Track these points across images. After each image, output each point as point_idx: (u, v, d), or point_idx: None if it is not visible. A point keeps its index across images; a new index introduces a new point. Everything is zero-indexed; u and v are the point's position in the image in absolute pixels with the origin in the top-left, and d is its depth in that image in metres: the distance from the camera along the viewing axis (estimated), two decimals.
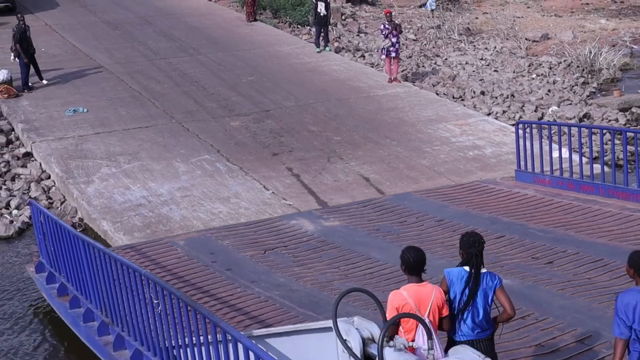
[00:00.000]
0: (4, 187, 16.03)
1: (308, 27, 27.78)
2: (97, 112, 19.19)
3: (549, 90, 20.84)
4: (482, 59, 24.42)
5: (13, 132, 18.49)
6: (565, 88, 21.25)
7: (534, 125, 14.80)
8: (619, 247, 11.15)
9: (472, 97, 20.45)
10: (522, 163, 14.22)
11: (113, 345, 9.03)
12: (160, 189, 14.75)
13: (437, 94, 20.60)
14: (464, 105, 19.69)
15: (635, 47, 26.31)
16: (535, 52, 26.04)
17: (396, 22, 21.86)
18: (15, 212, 14.99)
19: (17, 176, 16.43)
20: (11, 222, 14.64)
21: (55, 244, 10.72)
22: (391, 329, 6.27)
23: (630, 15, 33.10)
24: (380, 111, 18.84)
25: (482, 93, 20.67)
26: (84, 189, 14.86)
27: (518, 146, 14.22)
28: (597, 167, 13.68)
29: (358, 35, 27.73)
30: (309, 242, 12.34)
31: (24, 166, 16.73)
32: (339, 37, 26.30)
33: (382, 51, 21.21)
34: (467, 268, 6.66)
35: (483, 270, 6.64)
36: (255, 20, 28.74)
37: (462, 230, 12.11)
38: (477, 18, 30.69)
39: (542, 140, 14.81)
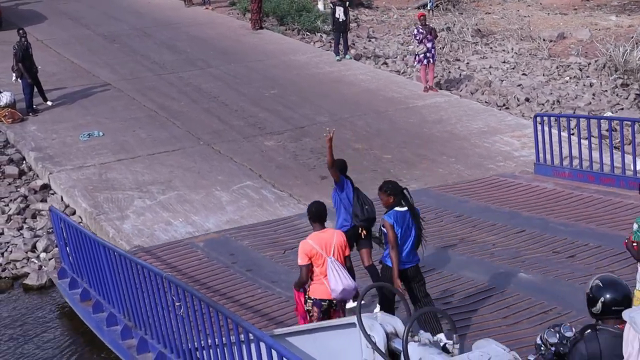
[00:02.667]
0: (25, 226, 14.39)
1: (319, 34, 26.80)
2: (114, 135, 17.56)
3: (594, 95, 19.56)
4: (504, 62, 23.33)
5: (24, 162, 16.81)
6: (606, 91, 20.01)
7: (552, 118, 14.74)
8: None
9: (518, 105, 19.07)
10: (541, 156, 14.16)
11: (137, 348, 9.10)
12: (206, 223, 13.23)
13: (479, 103, 19.21)
14: (512, 114, 18.23)
15: None
16: (556, 52, 25.21)
17: (430, 25, 20.36)
18: (43, 255, 13.45)
19: (38, 213, 14.79)
20: (40, 267, 13.23)
21: (77, 250, 10.80)
22: (304, 272, 7.99)
23: (636, 11, 32.75)
24: (426, 124, 17.45)
25: (527, 100, 19.31)
26: (120, 226, 13.19)
27: (537, 139, 14.17)
28: (617, 159, 13.58)
29: (369, 40, 26.67)
30: None
31: (43, 200, 15.03)
32: (353, 44, 24.95)
33: (416, 58, 19.75)
34: (399, 208, 8.23)
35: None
36: (262, 28, 27.34)
37: (482, 226, 12.19)
38: (482, 18, 30.20)
39: (561, 132, 14.71)
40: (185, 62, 23.60)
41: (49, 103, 19.59)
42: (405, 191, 8.37)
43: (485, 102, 19.36)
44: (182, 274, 11.31)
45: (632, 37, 24.49)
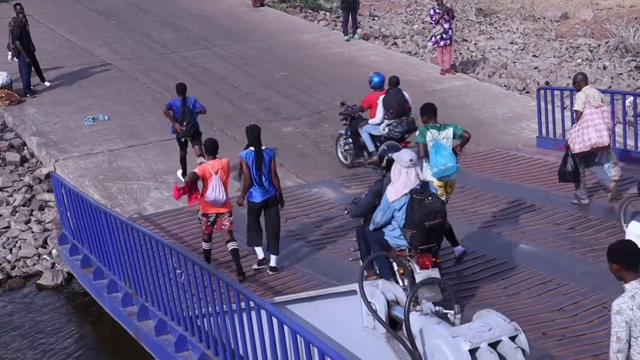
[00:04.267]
0: (32, 219, 13.58)
1: (323, 12, 26.22)
2: (121, 119, 16.65)
3: (612, 79, 18.96)
4: (512, 42, 22.82)
5: (26, 148, 15.84)
6: (621, 74, 19.47)
7: (555, 91, 14.68)
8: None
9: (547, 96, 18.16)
10: (544, 129, 14.13)
11: (137, 315, 9.13)
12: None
13: (499, 86, 18.54)
14: (534, 98, 16.14)
15: None
16: (561, 32, 24.86)
17: (447, 5, 19.45)
18: (55, 251, 12.64)
19: (45, 204, 13.88)
20: (53, 265, 12.62)
21: (78, 216, 10.81)
22: (193, 177, 10.08)
23: None
24: (448, 109, 15.89)
25: (547, 84, 18.20)
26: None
27: (540, 112, 14.14)
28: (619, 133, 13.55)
29: (373, 19, 26.03)
30: (330, 211, 12.34)
31: (49, 191, 13.81)
32: (359, 23, 23.87)
33: (432, 39, 18.94)
34: (252, 148, 10.16)
35: (263, 147, 10.22)
36: (263, 5, 26.60)
37: (483, 198, 12.19)
38: None
39: (564, 106, 14.66)
40: (187, 40, 22.75)
41: (47, 84, 18.55)
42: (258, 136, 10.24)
43: (505, 85, 18.72)
44: (183, 242, 11.34)
45: (636, 18, 24.22)
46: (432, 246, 7.95)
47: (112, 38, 22.94)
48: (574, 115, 11.52)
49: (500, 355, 5.38)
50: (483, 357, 5.37)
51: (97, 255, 10.38)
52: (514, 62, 20.58)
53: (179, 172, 13.56)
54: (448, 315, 5.91)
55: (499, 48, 22.12)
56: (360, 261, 8.52)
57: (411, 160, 7.91)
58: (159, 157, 14.78)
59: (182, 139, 13.34)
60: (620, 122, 14.13)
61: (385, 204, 8.01)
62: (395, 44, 22.58)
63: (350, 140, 13.69)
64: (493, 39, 23.38)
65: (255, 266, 10.39)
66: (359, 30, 22.77)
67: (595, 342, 7.90)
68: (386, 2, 29.44)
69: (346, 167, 13.88)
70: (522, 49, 22.16)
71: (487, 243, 10.63)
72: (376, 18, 26.16)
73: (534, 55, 21.42)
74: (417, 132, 9.89)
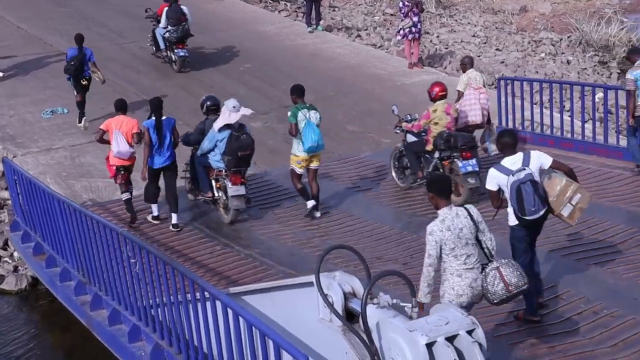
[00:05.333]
0: None
1: (283, 2, 25.49)
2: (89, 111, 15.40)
3: (578, 74, 19.07)
4: (474, 35, 22.63)
5: None
6: (585, 69, 19.62)
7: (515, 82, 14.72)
8: (597, 203, 11.09)
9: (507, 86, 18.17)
10: (504, 119, 14.16)
11: (90, 304, 8.95)
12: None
13: None
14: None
15: (625, 19, 24.67)
16: (522, 26, 24.86)
17: None
18: (17, 254, 11.97)
19: (4, 202, 13.06)
20: (16, 268, 11.97)
21: (30, 203, 10.59)
22: (100, 135, 11.32)
23: None
24: (421, 105, 15.31)
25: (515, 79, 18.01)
26: None
27: (499, 103, 14.16)
28: (577, 124, 13.63)
29: (333, 10, 25.46)
30: (289, 199, 12.25)
31: (7, 188, 12.72)
32: (321, 15, 23.19)
33: (400, 32, 18.50)
34: (153, 117, 11.11)
35: (164, 117, 11.17)
36: None
37: None
38: None
39: (524, 96, 14.71)
40: (144, 30, 21.15)
41: (0, 74, 17.82)
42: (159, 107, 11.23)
43: None
44: (138, 230, 11.18)
45: (594, 12, 24.37)
46: (241, 169, 11.12)
47: (66, 27, 21.16)
48: (457, 94, 12.59)
49: (457, 349, 5.34)
50: (440, 351, 5.32)
51: (50, 243, 10.17)
52: (479, 56, 20.46)
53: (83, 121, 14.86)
54: (405, 308, 5.86)
55: (461, 41, 21.94)
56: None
57: (234, 107, 11.22)
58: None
59: (84, 81, 14.92)
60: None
61: (212, 135, 11.16)
62: (359, 36, 22.21)
63: None
64: (455, 31, 23.17)
65: (149, 217, 11.53)
66: (322, 22, 22.36)
67: (551, 333, 7.93)
68: None
69: None
70: (485, 43, 22.05)
71: None
72: (336, 9, 25.69)
73: (497, 49, 21.34)
74: (289, 113, 11.09)
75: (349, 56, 19.77)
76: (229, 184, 11.05)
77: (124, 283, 8.26)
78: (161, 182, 11.50)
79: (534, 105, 14.31)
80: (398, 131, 12.34)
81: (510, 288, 6.60)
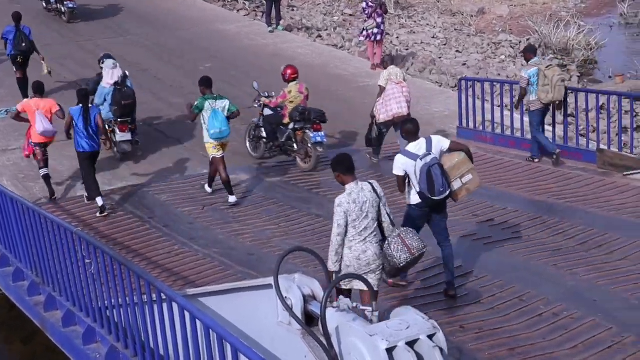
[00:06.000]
0: None
1: (242, 2, 25.33)
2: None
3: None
4: (434, 37, 22.66)
5: None
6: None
7: (476, 82, 14.74)
8: (557, 204, 11.22)
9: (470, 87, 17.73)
10: (464, 120, 14.17)
11: (44, 305, 8.73)
12: None
13: (431, 83, 18.33)
14: None
15: (583, 23, 24.99)
16: (480, 28, 24.93)
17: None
18: None
19: None
20: None
21: None
22: (15, 115, 12.61)
23: None
24: None
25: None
26: None
27: (460, 103, 14.16)
28: None
29: (292, 9, 25.34)
30: (249, 198, 12.14)
31: None
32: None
33: (364, 33, 18.43)
34: (81, 105, 11.68)
35: (90, 106, 11.87)
36: None
37: None
38: None
39: (485, 98, 14.74)
40: (99, 26, 21.42)
41: None
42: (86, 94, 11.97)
43: (437, 82, 18.46)
44: (94, 229, 10.98)
45: (551, 15, 24.54)
46: (127, 119, 13.27)
47: None
48: (379, 89, 12.99)
49: (417, 354, 5.26)
50: (400, 356, 5.23)
51: (3, 242, 9.92)
52: (440, 58, 20.52)
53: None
54: (366, 312, 5.77)
55: (421, 42, 21.95)
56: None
57: (114, 64, 13.61)
58: None
59: (19, 59, 15.69)
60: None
61: (101, 91, 13.38)
62: (320, 36, 22.08)
63: None
64: (414, 33, 23.17)
65: (98, 214, 11.59)
66: (282, 22, 22.19)
67: (512, 335, 7.91)
68: None
69: None
70: (445, 44, 22.09)
71: None
72: (295, 9, 25.55)
73: (457, 51, 21.39)
74: (196, 102, 11.68)
75: (310, 57, 19.59)
76: (117, 131, 13.24)
77: (79, 283, 8.07)
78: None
79: (495, 107, 14.32)
80: (256, 105, 13.71)
81: (413, 251, 7.25)
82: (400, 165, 8.40)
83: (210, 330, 5.85)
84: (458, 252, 9.85)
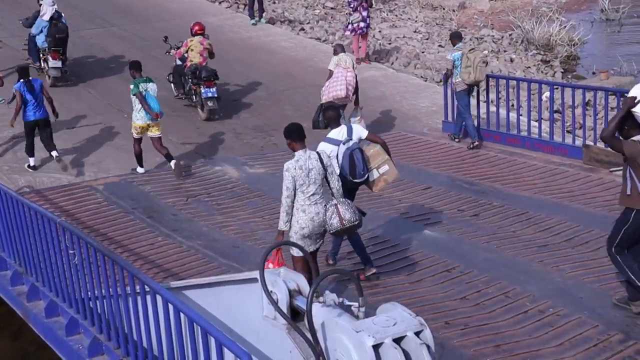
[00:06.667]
0: None
1: None
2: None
3: (524, 72, 19.10)
4: (416, 31, 22.57)
5: None
6: (529, 67, 19.68)
7: None
8: (543, 200, 11.20)
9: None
10: (449, 114, 14.13)
11: (27, 295, 8.61)
12: None
13: (416, 77, 18.19)
14: None
15: (564, 18, 25.05)
16: (462, 22, 24.88)
17: None
18: None
19: None
20: None
21: None
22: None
23: None
24: (370, 101, 15.78)
25: None
26: None
27: (446, 97, 14.12)
28: (523, 120, 13.65)
29: (274, 2, 25.06)
30: (233, 190, 12.08)
31: None
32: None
33: (349, 26, 18.37)
34: (22, 80, 12.65)
35: (31, 78, 12.75)
36: None
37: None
38: None
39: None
40: (82, 18, 21.04)
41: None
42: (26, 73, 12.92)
43: (422, 76, 18.35)
44: (78, 219, 10.88)
45: (532, 10, 24.54)
46: (59, 49, 16.02)
47: None
48: (328, 73, 13.72)
49: (404, 351, 5.22)
50: (387, 353, 5.18)
51: None
52: (423, 52, 20.43)
53: None
54: (352, 307, 5.71)
55: (404, 37, 21.81)
56: None
57: (52, 2, 16.09)
58: (69, 146, 13.77)
59: None
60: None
61: (39, 23, 16.08)
62: (303, 29, 21.87)
63: None
64: (396, 27, 23.06)
65: (27, 166, 12.92)
66: (265, 14, 22.01)
67: (498, 332, 7.87)
68: None
69: None
70: (427, 39, 21.99)
71: (391, 228, 10.54)
72: (276, 1, 25.32)
73: (439, 45, 21.29)
74: (131, 86, 12.32)
75: (294, 50, 19.47)
76: (50, 59, 16.10)
77: (62, 274, 7.98)
78: None
79: (481, 102, 14.26)
80: (170, 54, 16.08)
81: (343, 222, 7.73)
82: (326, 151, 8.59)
83: (194, 324, 5.78)
84: (444, 248, 9.88)
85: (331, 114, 8.95)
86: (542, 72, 19.59)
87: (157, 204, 11.64)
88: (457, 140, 13.60)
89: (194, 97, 15.22)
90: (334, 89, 13.29)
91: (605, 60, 21.80)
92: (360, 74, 17.21)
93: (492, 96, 13.93)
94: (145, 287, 6.59)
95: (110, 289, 7.11)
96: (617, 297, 8.26)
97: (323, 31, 21.69)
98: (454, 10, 25.74)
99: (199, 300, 6.93)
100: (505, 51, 21.18)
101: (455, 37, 13.89)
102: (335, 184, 8.00)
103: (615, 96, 14.28)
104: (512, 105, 15.23)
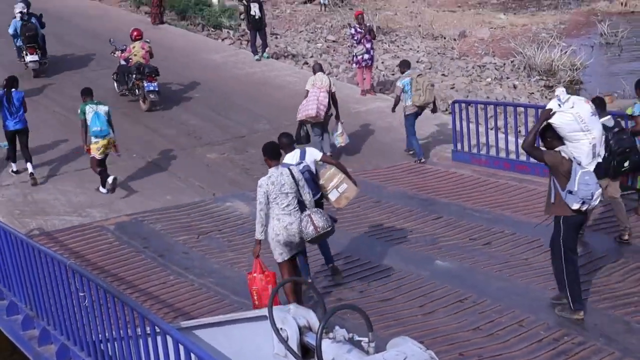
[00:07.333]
0: None
1: (226, 31, 25.34)
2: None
3: (528, 97, 19.14)
4: (418, 61, 22.60)
5: None
6: (532, 93, 19.75)
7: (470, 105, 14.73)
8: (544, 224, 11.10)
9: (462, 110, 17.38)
10: (459, 143, 14.13)
11: (38, 339, 8.65)
12: None
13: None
14: None
15: (564, 43, 25.21)
16: (463, 51, 24.90)
17: (369, 25, 19.14)
18: None
19: None
20: None
21: None
22: None
23: (518, 10, 33.48)
24: (377, 131, 15.93)
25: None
26: None
27: (454, 126, 14.13)
28: None
29: (276, 37, 25.28)
30: (244, 226, 12.03)
31: None
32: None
33: (354, 59, 18.62)
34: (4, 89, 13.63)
35: (13, 90, 13.66)
36: (162, 22, 25.28)
37: (400, 212, 12.08)
38: (376, 14, 29.60)
39: (478, 119, 14.72)
40: (83, 58, 21.20)
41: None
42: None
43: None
44: (89, 260, 10.88)
45: (531, 37, 24.66)
46: (33, 45, 18.90)
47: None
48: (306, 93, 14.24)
49: None
50: None
51: None
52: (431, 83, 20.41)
53: None
54: (362, 343, 5.67)
55: None
56: None
57: (22, 6, 18.95)
58: (78, 188, 13.65)
59: None
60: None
61: (14, 24, 18.77)
62: (306, 63, 21.93)
63: None
64: (398, 57, 22.75)
65: (10, 170, 14.10)
66: (267, 49, 22.07)
67: None
68: (284, 20, 29.21)
69: None
70: (430, 68, 22.02)
71: (403, 259, 10.49)
72: (278, 36, 25.50)
73: (443, 74, 21.32)
74: (79, 110, 13.06)
75: (299, 84, 19.20)
76: (28, 54, 18.94)
77: (73, 317, 7.98)
78: None
79: (489, 130, 14.28)
80: (115, 55, 18.26)
81: (318, 229, 8.49)
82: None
83: None
84: (456, 277, 9.81)
85: (284, 141, 9.42)
86: (546, 97, 19.58)
87: (168, 243, 11.63)
88: (422, 160, 14.28)
89: (136, 91, 17.48)
90: (306, 108, 13.92)
91: (608, 84, 21.83)
92: (366, 105, 17.58)
93: (500, 123, 13.92)
94: (156, 327, 6.58)
95: (121, 331, 7.10)
96: (551, 295, 8.85)
97: (327, 64, 21.72)
98: (454, 39, 25.88)
99: (209, 339, 6.90)
100: (508, 78, 21.24)
101: (404, 66, 14.79)
102: (307, 196, 8.69)
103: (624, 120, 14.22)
104: (520, 132, 15.20)
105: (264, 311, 6.46)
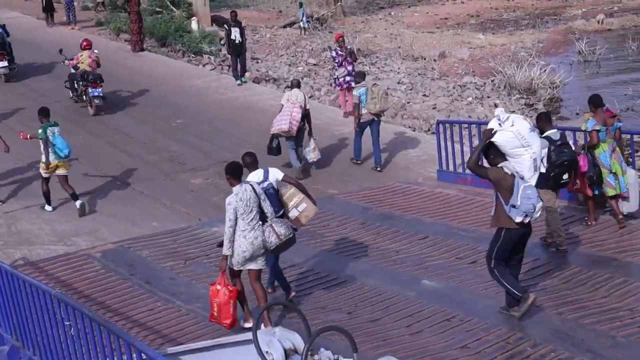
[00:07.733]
0: None
1: (206, 56, 25.42)
2: (8, 175, 15.04)
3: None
4: (399, 82, 22.74)
5: None
6: (514, 111, 19.29)
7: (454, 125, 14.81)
8: (541, 244, 11.16)
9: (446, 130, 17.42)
10: (444, 163, 14.19)
11: None
12: None
13: (404, 127, 18.24)
14: None
15: (543, 62, 25.43)
16: (443, 71, 24.98)
17: (350, 47, 19.23)
18: None
19: None
20: None
21: None
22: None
23: (496, 29, 33.95)
24: (363, 153, 15.61)
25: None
26: None
27: (439, 146, 14.20)
28: None
29: (257, 62, 25.30)
30: None
31: None
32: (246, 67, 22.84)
33: (336, 81, 18.71)
34: None
35: None
36: (143, 50, 25.31)
37: (386, 233, 12.09)
38: (355, 37, 29.72)
39: (462, 139, 14.80)
40: (64, 87, 20.54)
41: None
42: None
43: (409, 126, 18.37)
44: (75, 289, 10.83)
45: (510, 56, 24.94)
46: (2, 52, 20.56)
47: None
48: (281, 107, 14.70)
49: None
50: None
51: None
52: (409, 102, 20.54)
53: None
54: None
55: (388, 88, 21.65)
56: None
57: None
58: (63, 217, 13.51)
59: None
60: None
61: None
62: (288, 86, 21.84)
63: None
64: (380, 79, 23.18)
65: None
66: (247, 74, 22.09)
67: None
68: (265, 44, 29.38)
69: None
70: (411, 89, 22.14)
71: (389, 279, 10.50)
72: (259, 60, 25.53)
73: (424, 95, 21.44)
74: (40, 130, 13.15)
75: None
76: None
77: (59, 346, 7.95)
78: None
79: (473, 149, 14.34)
80: (65, 64, 19.31)
81: (280, 237, 9.06)
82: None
83: None
84: (443, 297, 9.83)
85: (247, 160, 9.83)
86: (527, 115, 19.68)
87: (154, 269, 11.60)
88: (378, 169, 15.01)
89: (84, 97, 18.65)
90: (279, 123, 14.36)
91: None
92: (349, 127, 17.31)
93: None
94: (142, 355, 6.56)
95: (108, 359, 7.08)
96: (500, 305, 9.09)
97: (308, 87, 21.76)
98: (435, 60, 26.09)
99: None
100: (488, 97, 21.45)
101: (359, 76, 15.65)
102: (268, 209, 9.16)
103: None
104: None
105: (250, 335, 6.46)
